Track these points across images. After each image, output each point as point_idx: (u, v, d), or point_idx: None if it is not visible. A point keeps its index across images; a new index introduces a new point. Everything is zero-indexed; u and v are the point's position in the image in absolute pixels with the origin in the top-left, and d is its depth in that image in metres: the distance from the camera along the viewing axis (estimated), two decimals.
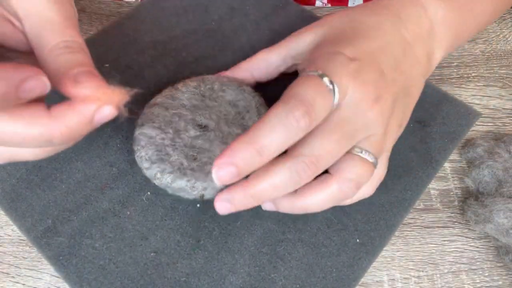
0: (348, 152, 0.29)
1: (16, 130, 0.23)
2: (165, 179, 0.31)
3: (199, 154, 0.32)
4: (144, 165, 0.32)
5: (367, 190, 0.32)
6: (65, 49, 0.25)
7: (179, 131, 0.33)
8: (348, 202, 0.32)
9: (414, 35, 0.33)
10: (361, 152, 0.29)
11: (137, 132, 0.33)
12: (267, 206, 0.31)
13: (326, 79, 0.27)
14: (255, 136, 0.25)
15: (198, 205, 0.33)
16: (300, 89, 0.26)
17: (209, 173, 0.31)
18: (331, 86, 0.27)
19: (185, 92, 0.35)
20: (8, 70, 0.21)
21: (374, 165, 0.30)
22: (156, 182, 0.32)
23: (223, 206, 0.28)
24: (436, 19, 0.35)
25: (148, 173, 0.32)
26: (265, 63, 0.37)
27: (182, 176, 0.31)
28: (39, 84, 0.22)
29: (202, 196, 0.31)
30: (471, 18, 0.38)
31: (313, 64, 0.29)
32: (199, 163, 0.31)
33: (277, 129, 0.25)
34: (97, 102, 0.24)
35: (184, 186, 0.31)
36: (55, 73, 0.24)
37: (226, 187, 0.28)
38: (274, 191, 0.27)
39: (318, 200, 0.29)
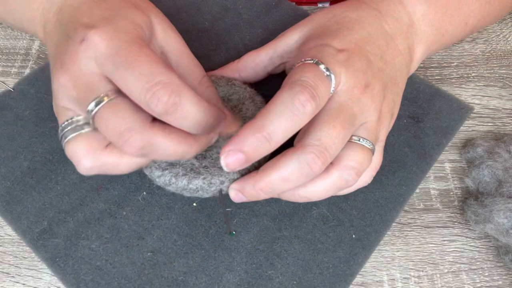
0: (347, 141, 0.33)
1: (170, 144, 0.29)
2: (181, 182, 0.34)
3: (207, 151, 0.35)
4: (155, 173, 0.35)
5: (365, 178, 0.36)
6: (208, 83, 0.36)
7: None
8: (348, 191, 0.36)
9: (394, 28, 0.38)
10: (359, 140, 0.33)
11: None
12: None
13: (322, 66, 0.32)
14: (262, 123, 0.29)
15: (194, 204, 0.38)
16: (301, 75, 0.31)
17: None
18: (327, 73, 0.32)
19: None
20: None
21: (372, 151, 0.34)
22: (171, 187, 0.35)
23: (236, 195, 0.34)
24: (416, 16, 0.40)
25: (162, 181, 0.35)
26: (252, 64, 0.42)
27: (198, 176, 0.34)
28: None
29: (221, 190, 0.35)
30: (457, 17, 0.43)
31: (304, 56, 0.34)
32: (210, 160, 0.35)
33: (284, 114, 0.29)
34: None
35: (202, 185, 0.34)
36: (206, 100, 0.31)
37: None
38: (285, 184, 0.31)
39: (319, 189, 0.33)
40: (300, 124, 0.30)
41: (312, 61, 0.32)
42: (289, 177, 0.31)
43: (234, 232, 0.36)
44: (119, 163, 0.31)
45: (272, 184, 0.32)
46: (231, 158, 0.30)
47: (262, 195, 0.33)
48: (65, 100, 0.30)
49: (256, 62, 0.41)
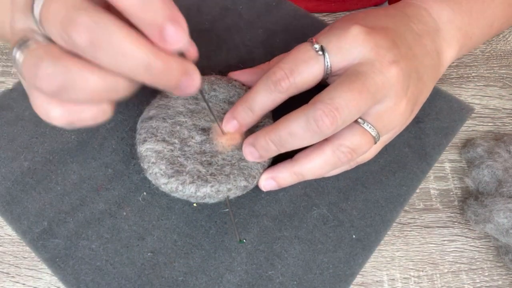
0: None
1: (125, 44, 0.25)
2: (188, 190, 0.34)
3: (212, 158, 0.35)
4: (161, 181, 0.34)
5: (366, 154, 0.36)
6: None
7: (185, 139, 0.36)
8: (347, 167, 0.37)
9: (421, 30, 0.38)
10: (364, 123, 0.33)
11: (142, 149, 0.35)
12: (268, 185, 0.36)
13: (317, 46, 0.33)
14: (246, 97, 0.35)
15: (194, 204, 0.37)
16: (288, 54, 0.34)
17: (230, 174, 0.35)
18: (320, 52, 0.33)
19: (177, 98, 0.38)
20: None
21: (375, 139, 0.34)
22: (178, 194, 0.35)
23: (249, 151, 0.35)
24: (442, 21, 0.40)
25: (168, 188, 0.34)
26: None
27: (205, 183, 0.34)
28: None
29: (227, 197, 0.35)
30: (482, 20, 0.43)
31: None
32: (216, 167, 0.35)
33: (262, 91, 0.34)
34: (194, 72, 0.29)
35: (209, 193, 0.34)
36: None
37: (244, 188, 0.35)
38: (291, 138, 0.32)
39: (314, 165, 0.34)
40: (276, 100, 0.34)
41: (307, 43, 0.34)
42: (296, 131, 0.32)
43: (244, 240, 0.36)
44: (86, 73, 0.25)
45: (280, 136, 0.33)
46: (229, 125, 0.36)
47: (272, 147, 0.34)
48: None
49: None
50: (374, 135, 0.33)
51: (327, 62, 0.33)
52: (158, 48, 0.26)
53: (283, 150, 0.34)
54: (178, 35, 0.25)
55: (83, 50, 0.24)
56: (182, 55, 0.28)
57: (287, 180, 0.35)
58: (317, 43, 0.34)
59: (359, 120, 0.33)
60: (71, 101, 0.27)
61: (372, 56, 0.32)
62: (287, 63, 0.34)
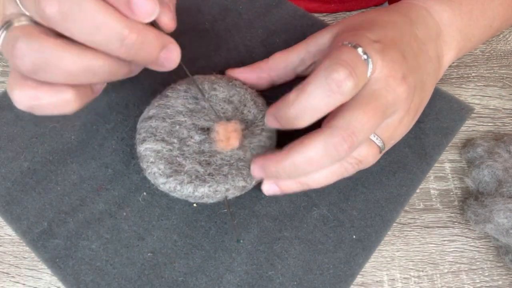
0: None
1: (96, 16, 0.24)
2: (186, 189, 0.34)
3: (211, 157, 0.35)
4: (159, 180, 0.34)
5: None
6: None
7: (184, 139, 0.36)
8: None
9: (425, 35, 0.38)
10: (371, 135, 0.33)
11: (141, 148, 0.36)
12: (270, 190, 0.35)
13: (360, 49, 0.31)
14: (294, 99, 0.29)
15: (194, 205, 0.37)
16: (339, 54, 0.30)
17: (228, 174, 0.35)
18: (365, 56, 0.31)
19: (177, 98, 0.38)
20: None
21: (381, 149, 0.34)
22: (176, 194, 0.35)
23: (256, 169, 0.33)
24: (442, 22, 0.40)
25: (166, 187, 0.34)
26: (283, 63, 0.41)
27: (203, 183, 0.34)
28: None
29: (226, 197, 0.35)
30: (482, 21, 0.43)
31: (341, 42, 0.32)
32: (215, 167, 0.35)
33: (317, 94, 0.29)
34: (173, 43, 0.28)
35: (207, 192, 0.34)
36: None
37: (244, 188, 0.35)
38: (308, 166, 0.30)
39: (320, 175, 0.33)
40: (334, 104, 0.29)
41: (350, 45, 0.31)
42: (314, 158, 0.30)
43: (241, 241, 0.36)
44: (61, 52, 0.25)
45: (296, 164, 0.30)
46: (270, 123, 0.32)
47: (282, 175, 0.32)
48: None
49: (287, 62, 0.40)
50: (380, 145, 0.34)
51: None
52: (133, 20, 0.25)
53: (293, 178, 0.33)
54: (147, 6, 0.25)
55: (55, 23, 0.24)
56: (159, 28, 0.28)
57: (292, 187, 0.34)
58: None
59: None
60: (49, 81, 0.26)
61: (386, 72, 0.32)
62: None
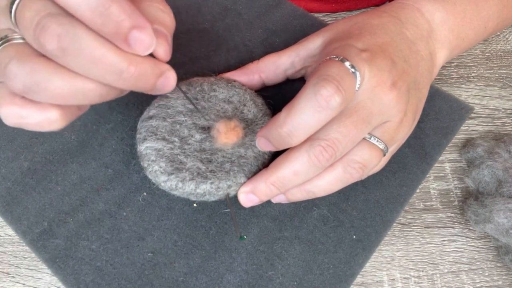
0: None
1: (95, 52, 0.25)
2: (188, 187, 0.34)
3: (212, 155, 0.35)
4: (161, 178, 0.34)
5: (375, 167, 0.36)
6: (160, 5, 0.29)
7: (185, 137, 0.36)
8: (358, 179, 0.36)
9: (414, 35, 0.38)
10: (370, 138, 0.33)
11: (142, 147, 0.36)
12: (277, 199, 0.35)
13: (347, 63, 0.31)
14: (284, 119, 0.30)
15: (194, 205, 0.37)
16: (326, 70, 0.30)
17: (230, 171, 0.35)
18: (353, 69, 0.31)
19: (177, 98, 0.38)
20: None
21: (384, 152, 0.34)
22: (178, 192, 0.35)
23: (247, 198, 0.34)
24: (434, 22, 0.40)
25: (168, 185, 0.34)
26: (273, 66, 0.41)
27: (205, 180, 0.34)
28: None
29: (228, 194, 0.35)
30: (476, 21, 0.43)
31: (329, 55, 0.33)
32: (216, 164, 0.35)
33: (307, 110, 0.30)
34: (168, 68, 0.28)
35: (209, 189, 0.34)
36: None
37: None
38: (295, 177, 0.32)
39: (325, 182, 0.33)
40: (325, 119, 0.30)
41: (337, 58, 0.32)
42: (300, 170, 0.32)
43: (245, 236, 0.36)
44: (52, 75, 0.26)
45: (283, 178, 0.32)
46: (262, 145, 0.33)
47: (274, 191, 0.33)
48: None
49: (277, 64, 0.41)
50: (382, 148, 0.34)
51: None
52: (130, 54, 0.26)
53: (283, 191, 0.34)
54: (144, 41, 0.25)
55: (54, 56, 0.25)
56: (154, 56, 0.28)
57: (297, 196, 0.34)
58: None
59: (366, 135, 0.33)
60: (39, 101, 0.27)
61: (373, 82, 0.33)
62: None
